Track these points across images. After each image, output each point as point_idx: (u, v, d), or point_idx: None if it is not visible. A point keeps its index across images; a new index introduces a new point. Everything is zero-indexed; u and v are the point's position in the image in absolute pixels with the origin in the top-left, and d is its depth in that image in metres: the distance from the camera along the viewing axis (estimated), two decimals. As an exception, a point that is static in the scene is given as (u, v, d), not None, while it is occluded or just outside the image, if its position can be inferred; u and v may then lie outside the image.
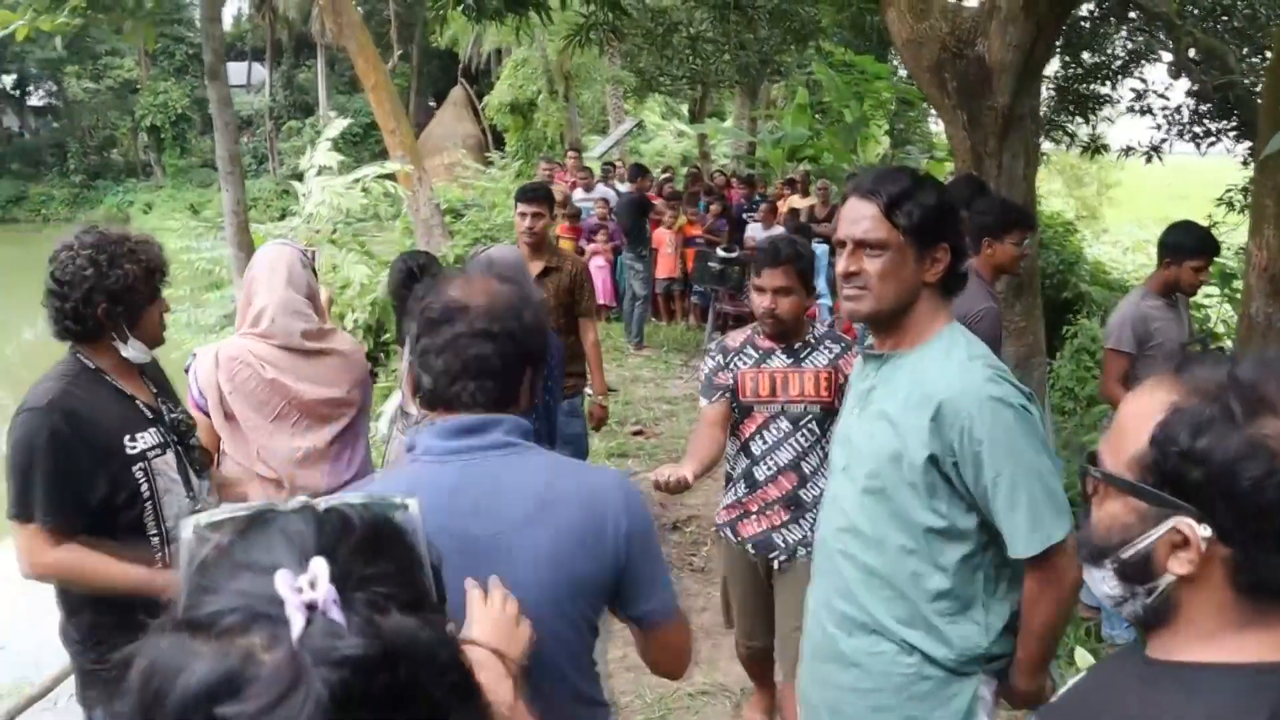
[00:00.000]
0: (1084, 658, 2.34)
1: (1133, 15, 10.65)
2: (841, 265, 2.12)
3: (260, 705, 0.67)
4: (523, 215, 4.94)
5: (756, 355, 3.33)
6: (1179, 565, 1.10)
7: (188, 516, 0.84)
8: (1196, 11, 9.87)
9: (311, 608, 0.71)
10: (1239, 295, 8.58)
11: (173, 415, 2.57)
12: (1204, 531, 1.07)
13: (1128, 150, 11.56)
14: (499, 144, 25.64)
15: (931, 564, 2.08)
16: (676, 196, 12.42)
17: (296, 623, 0.70)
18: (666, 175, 14.28)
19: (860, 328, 5.20)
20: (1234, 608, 1.10)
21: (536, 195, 5.03)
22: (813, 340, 3.33)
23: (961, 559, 2.07)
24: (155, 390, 2.55)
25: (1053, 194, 23.72)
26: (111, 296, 2.36)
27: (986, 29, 5.36)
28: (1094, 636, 4.64)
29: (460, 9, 6.56)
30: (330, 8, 11.72)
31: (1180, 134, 11.33)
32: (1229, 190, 10.29)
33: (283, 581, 0.72)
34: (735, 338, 3.43)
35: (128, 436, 2.40)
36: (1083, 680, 1.31)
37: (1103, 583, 1.19)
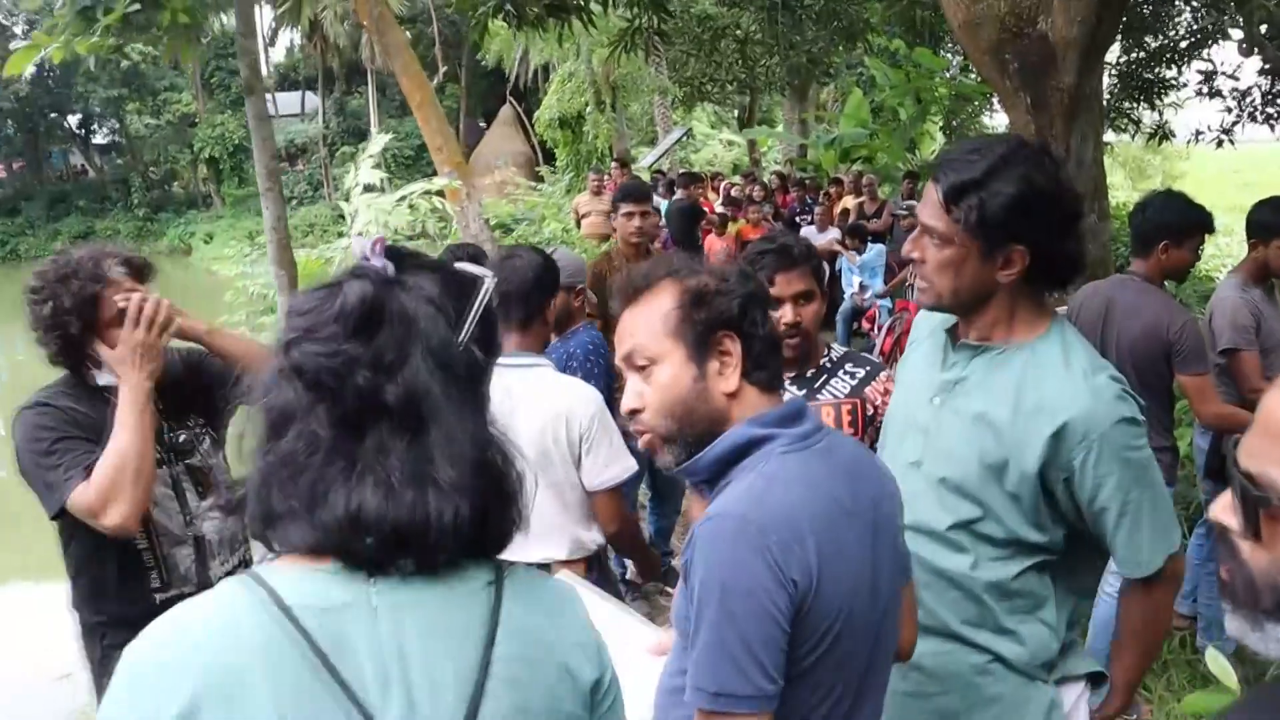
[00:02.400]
0: (1217, 663, 2.09)
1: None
2: (906, 246, 1.91)
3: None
4: (629, 216, 4.74)
5: None
6: None
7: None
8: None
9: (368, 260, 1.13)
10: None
11: (172, 434, 2.46)
12: None
13: (1198, 135, 11.11)
14: (549, 160, 25.67)
15: (1010, 569, 1.88)
16: (735, 203, 12.20)
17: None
18: (724, 181, 14.08)
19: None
20: None
21: (641, 194, 4.87)
22: (829, 365, 2.73)
23: (1038, 564, 1.88)
24: (161, 409, 2.40)
25: (1115, 187, 23.03)
26: (60, 324, 2.26)
27: (1049, 5, 5.09)
28: (1189, 648, 4.32)
29: (501, 17, 6.43)
30: (375, 29, 11.71)
31: (1253, 116, 10.85)
32: (1307, 172, 9.83)
33: (357, 245, 1.15)
34: None
35: None
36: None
37: None
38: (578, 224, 12.38)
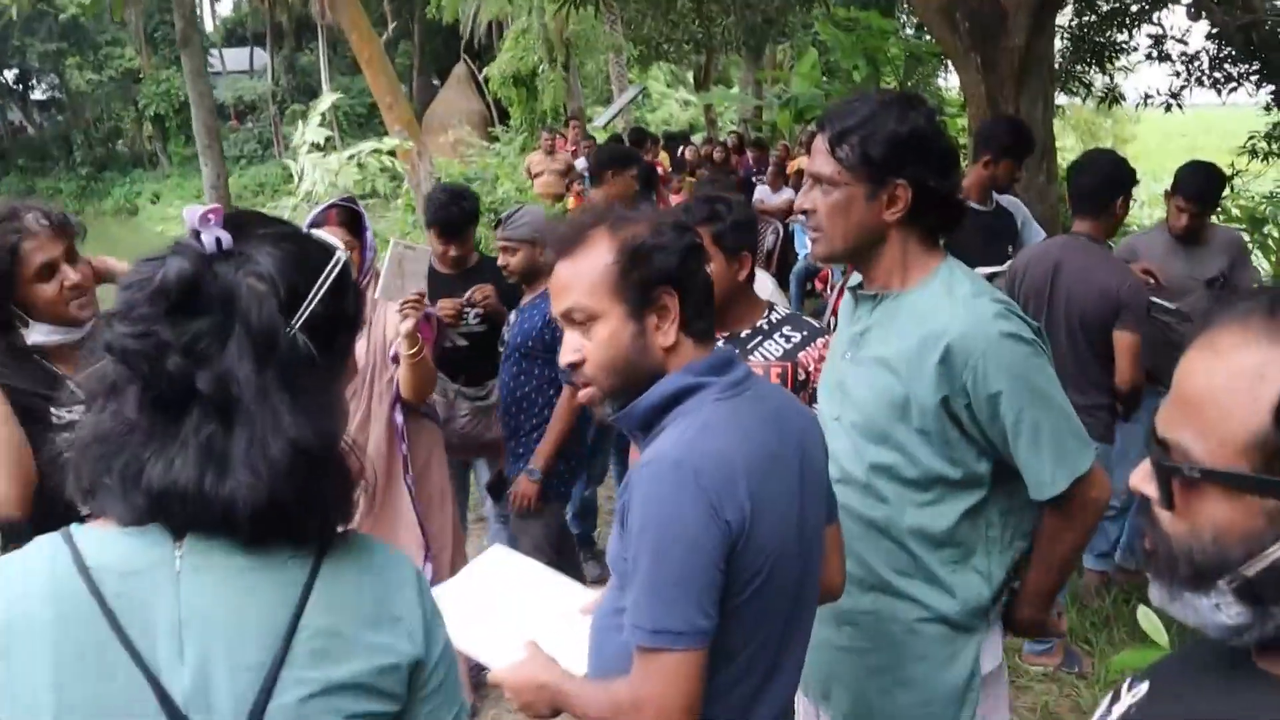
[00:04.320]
0: (1149, 620, 2.13)
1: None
2: (798, 201, 1.98)
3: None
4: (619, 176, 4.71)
5: None
6: None
7: None
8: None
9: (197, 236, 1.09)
10: (1271, 240, 8.32)
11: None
12: None
13: (1146, 99, 11.19)
14: (504, 119, 25.33)
15: (936, 513, 1.93)
16: (682, 166, 12.13)
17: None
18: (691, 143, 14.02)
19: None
20: None
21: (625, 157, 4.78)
22: (766, 327, 2.75)
23: (969, 508, 1.93)
24: None
25: (1067, 149, 23.27)
26: None
27: (1000, -35, 5.09)
28: (1132, 602, 4.42)
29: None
30: (322, -18, 11.47)
31: (1200, 80, 10.95)
32: (1252, 137, 9.94)
33: (189, 215, 1.10)
34: None
35: (54, 408, 2.19)
36: (1171, 685, 1.04)
37: (1217, 611, 0.90)
38: (531, 183, 12.27)
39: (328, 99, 9.71)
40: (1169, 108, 11.03)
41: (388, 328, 3.34)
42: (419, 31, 34.17)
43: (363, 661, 1.08)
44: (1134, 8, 10.86)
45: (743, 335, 2.73)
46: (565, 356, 1.62)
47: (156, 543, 1.05)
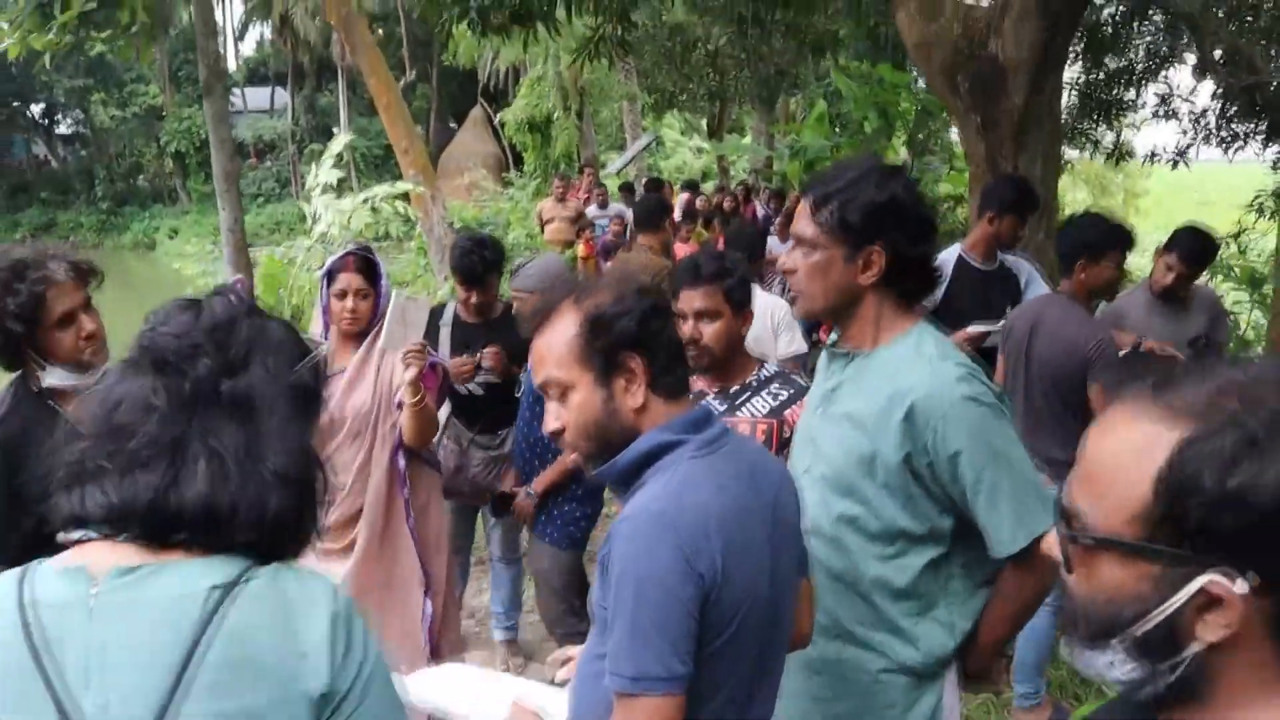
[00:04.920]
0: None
1: (1156, 16, 10.41)
2: (781, 260, 2.08)
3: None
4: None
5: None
6: (1212, 631, 0.89)
7: None
8: (1221, 11, 9.62)
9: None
10: (1270, 300, 8.35)
11: None
12: (1240, 587, 0.87)
13: (1152, 156, 11.29)
14: (519, 163, 25.61)
15: (898, 566, 1.99)
16: (694, 216, 12.23)
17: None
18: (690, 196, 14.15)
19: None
20: (1275, 664, 0.91)
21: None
22: (755, 384, 2.81)
23: (930, 560, 1.99)
24: None
25: (1078, 203, 23.35)
26: (1, 326, 2.27)
27: (999, 28, 5.20)
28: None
29: (466, 24, 6.45)
30: (343, 27, 11.69)
31: (1207, 139, 11.05)
32: (1259, 195, 10.01)
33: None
34: None
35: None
36: None
37: (1111, 667, 0.96)
38: (541, 229, 12.40)
39: (340, 141, 9.85)
40: (1175, 165, 11.12)
41: (395, 374, 3.42)
42: (437, 74, 34.66)
43: (262, 694, 1.12)
44: (1140, 66, 10.99)
45: (732, 391, 2.80)
46: (548, 425, 1.72)
47: (76, 579, 1.15)
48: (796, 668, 2.05)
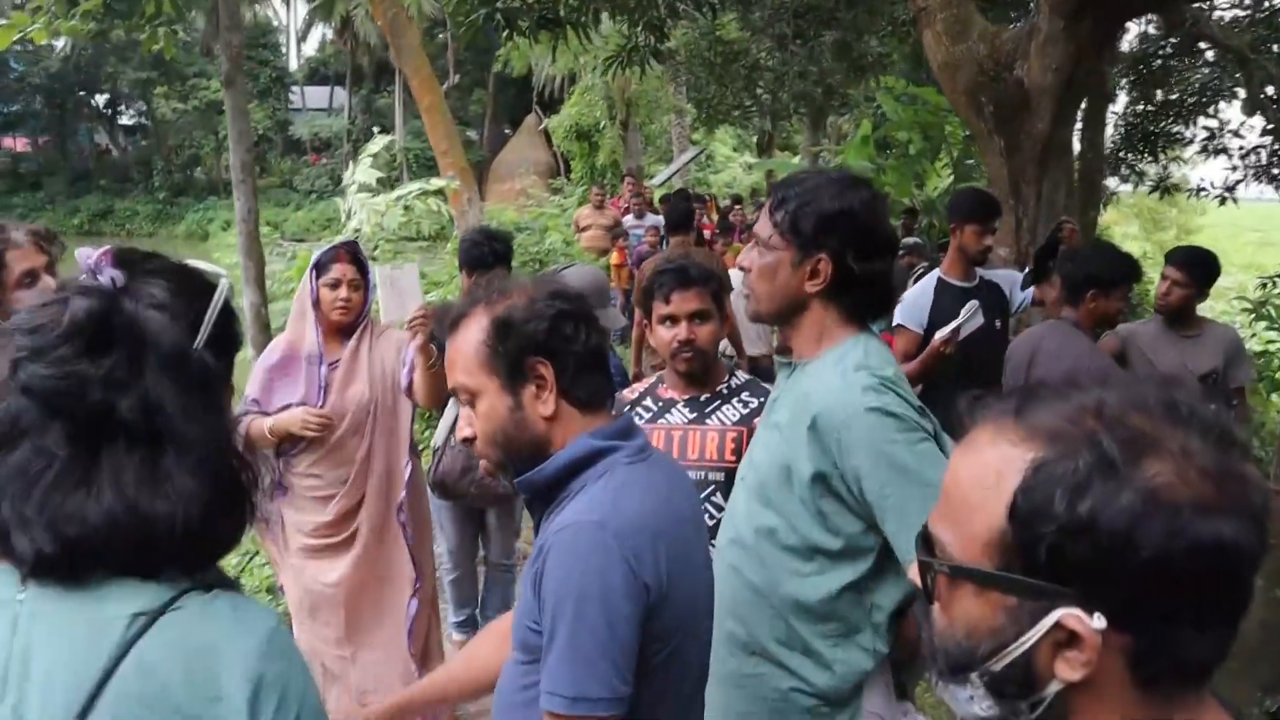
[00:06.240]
0: None
1: (1207, 51, 10.24)
2: (740, 258, 2.04)
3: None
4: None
5: (655, 409, 2.80)
6: (1070, 670, 0.83)
7: None
8: (1275, 47, 9.44)
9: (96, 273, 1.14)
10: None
11: None
12: (1097, 622, 0.81)
13: (1199, 191, 11.10)
14: (569, 171, 25.76)
15: (815, 586, 1.91)
16: (730, 228, 12.23)
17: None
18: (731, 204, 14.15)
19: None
20: (1137, 705, 0.84)
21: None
22: (725, 391, 2.78)
23: (849, 584, 1.90)
24: None
25: (1129, 237, 23.04)
26: None
27: (1025, 52, 5.12)
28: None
29: (494, 26, 6.49)
30: (390, 30, 11.85)
31: (1258, 175, 10.83)
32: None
33: (81, 257, 1.17)
34: (635, 389, 2.94)
35: None
36: None
37: (971, 703, 0.90)
38: (578, 236, 12.44)
39: (379, 142, 9.94)
40: (1223, 201, 10.91)
41: (385, 361, 3.46)
42: (493, 81, 34.95)
43: None
44: (1190, 101, 10.80)
45: (702, 399, 2.76)
46: (460, 432, 1.65)
47: (4, 584, 1.09)
48: (715, 681, 1.99)
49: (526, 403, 1.57)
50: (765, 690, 1.98)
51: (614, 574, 1.43)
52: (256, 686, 1.07)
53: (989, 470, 0.88)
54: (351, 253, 3.44)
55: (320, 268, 3.40)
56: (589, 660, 1.42)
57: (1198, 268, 3.99)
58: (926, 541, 0.95)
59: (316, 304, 3.39)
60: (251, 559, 5.23)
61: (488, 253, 4.09)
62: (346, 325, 3.42)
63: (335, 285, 3.36)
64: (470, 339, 1.59)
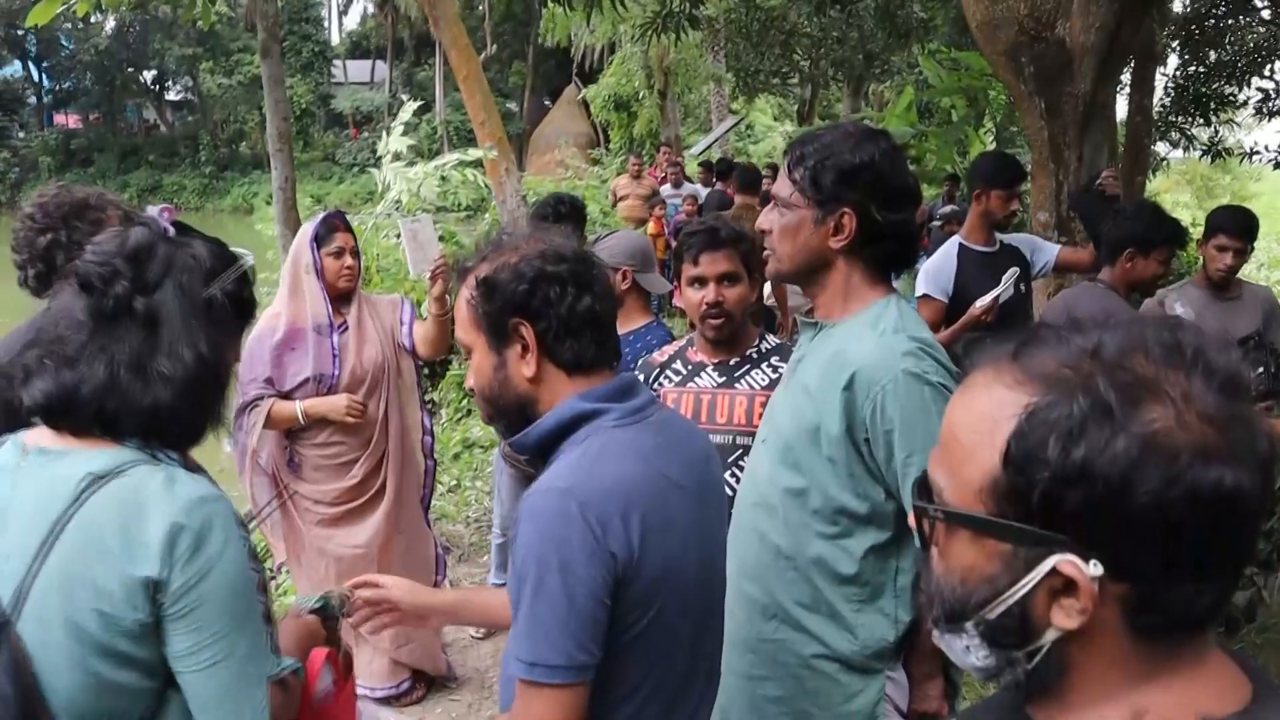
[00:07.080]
0: None
1: (1262, 8, 9.93)
2: (759, 221, 2.00)
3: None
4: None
5: (685, 372, 2.76)
6: (1066, 618, 0.81)
7: None
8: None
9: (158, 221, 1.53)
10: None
11: None
12: (1093, 569, 0.79)
13: (1252, 154, 10.81)
14: (608, 142, 25.65)
15: (842, 548, 1.89)
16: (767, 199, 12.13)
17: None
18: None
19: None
20: (1135, 657, 0.83)
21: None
22: (755, 355, 2.74)
23: (874, 546, 1.89)
24: None
25: (1181, 205, 22.50)
26: (50, 258, 2.30)
27: (1068, 10, 4.99)
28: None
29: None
30: (429, 1, 11.79)
31: (1314, 139, 10.53)
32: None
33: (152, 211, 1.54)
34: (665, 351, 2.90)
35: None
36: None
37: (968, 653, 0.88)
38: (614, 206, 12.38)
39: (409, 109, 9.96)
40: (1278, 165, 10.62)
41: (385, 321, 3.62)
42: (533, 53, 34.86)
43: (102, 569, 1.32)
44: (1243, 61, 10.48)
45: (731, 363, 2.72)
46: (467, 381, 1.67)
47: (15, 451, 1.42)
48: (730, 644, 1.98)
49: (510, 363, 1.57)
50: (785, 655, 1.96)
51: (575, 542, 1.41)
52: (173, 534, 1.34)
53: (984, 415, 0.85)
54: (345, 221, 3.56)
55: (321, 239, 3.48)
56: (545, 628, 1.41)
57: (1251, 231, 3.90)
58: (924, 487, 0.92)
59: (320, 274, 3.45)
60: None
61: (550, 213, 4.20)
62: (348, 292, 3.53)
63: (339, 254, 3.47)
64: (464, 294, 1.60)
